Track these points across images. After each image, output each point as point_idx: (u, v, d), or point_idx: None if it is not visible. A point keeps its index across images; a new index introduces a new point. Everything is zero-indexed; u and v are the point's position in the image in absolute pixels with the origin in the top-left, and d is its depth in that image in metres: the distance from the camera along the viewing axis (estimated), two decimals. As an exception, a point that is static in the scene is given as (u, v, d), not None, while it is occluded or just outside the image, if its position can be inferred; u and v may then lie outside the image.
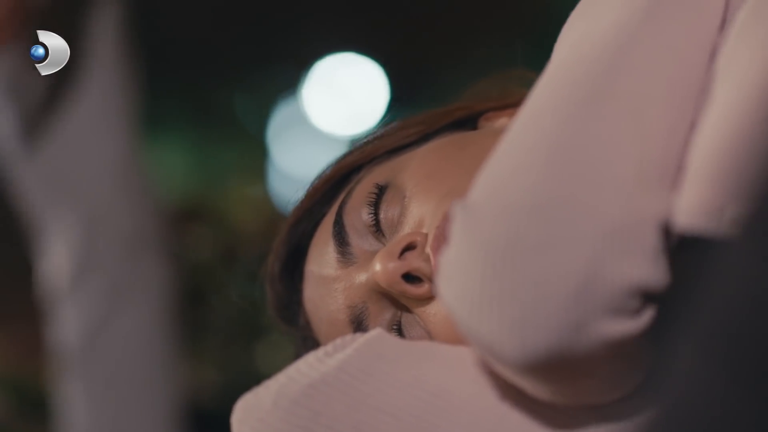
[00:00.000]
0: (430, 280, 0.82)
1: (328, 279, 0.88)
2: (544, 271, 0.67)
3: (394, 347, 0.80)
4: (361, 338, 0.81)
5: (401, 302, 0.85)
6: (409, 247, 0.84)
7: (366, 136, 0.92)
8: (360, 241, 0.87)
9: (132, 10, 1.83)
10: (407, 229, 0.86)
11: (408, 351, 0.80)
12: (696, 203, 0.68)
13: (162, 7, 3.55)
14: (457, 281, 0.70)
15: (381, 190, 0.87)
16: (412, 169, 0.87)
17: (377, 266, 0.84)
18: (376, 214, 0.87)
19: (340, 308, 0.87)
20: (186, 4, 3.77)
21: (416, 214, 0.85)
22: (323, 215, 0.92)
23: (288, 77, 4.09)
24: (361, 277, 0.86)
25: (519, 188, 0.69)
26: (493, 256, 0.68)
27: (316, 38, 3.86)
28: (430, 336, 0.84)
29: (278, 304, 0.93)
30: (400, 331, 0.86)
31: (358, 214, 0.88)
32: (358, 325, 0.87)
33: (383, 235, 0.87)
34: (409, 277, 0.83)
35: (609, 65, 0.73)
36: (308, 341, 0.92)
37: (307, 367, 0.80)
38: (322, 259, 0.88)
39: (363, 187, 0.88)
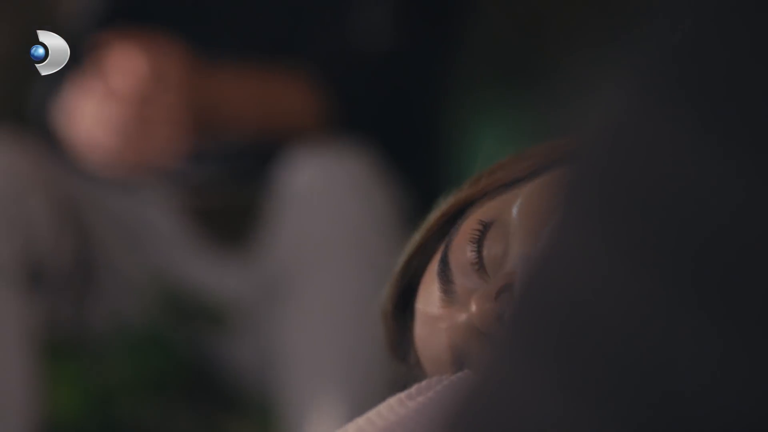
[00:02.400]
0: None
1: (433, 318, 0.86)
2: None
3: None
4: (446, 380, 0.79)
5: None
6: (507, 288, 0.81)
7: (481, 170, 0.90)
8: (464, 279, 0.85)
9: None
10: (510, 268, 0.82)
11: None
12: None
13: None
14: None
15: (485, 227, 0.84)
16: (517, 206, 0.84)
17: (473, 307, 0.82)
18: (479, 251, 0.84)
19: (443, 348, 0.85)
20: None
21: (518, 253, 0.82)
22: (436, 251, 0.89)
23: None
24: (463, 318, 0.84)
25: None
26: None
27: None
28: None
29: (390, 341, 0.92)
30: None
31: (462, 251, 0.85)
32: (461, 366, 0.84)
33: (486, 273, 0.84)
34: None
35: None
36: (419, 381, 0.90)
37: (387, 409, 0.78)
38: (428, 297, 0.87)
39: (468, 224, 0.86)
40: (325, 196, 1.76)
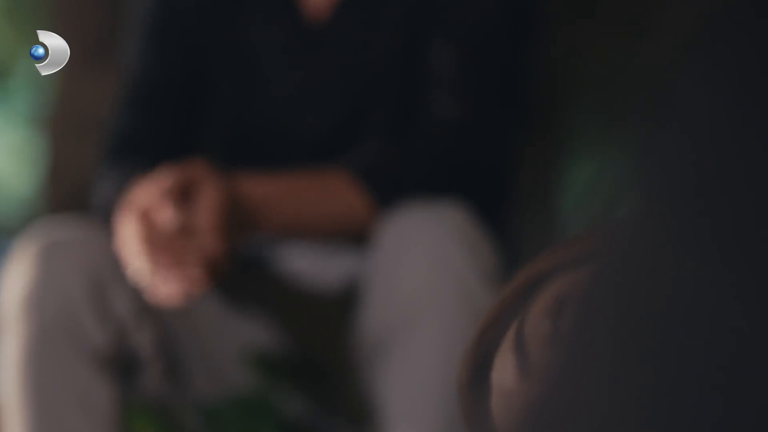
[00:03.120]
0: None
1: (509, 393, 0.86)
2: None
3: None
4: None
5: None
6: None
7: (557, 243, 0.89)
8: (540, 354, 0.85)
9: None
10: None
11: None
12: None
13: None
14: None
15: (562, 303, 0.84)
16: None
17: None
18: (555, 327, 0.84)
19: None
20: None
21: None
22: (511, 323, 0.89)
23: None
24: None
25: None
26: None
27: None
28: None
29: (467, 413, 0.92)
30: None
31: (538, 325, 0.85)
32: None
33: None
34: None
35: None
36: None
37: None
38: (503, 370, 0.87)
39: (544, 299, 0.86)
40: (428, 246, 1.71)
